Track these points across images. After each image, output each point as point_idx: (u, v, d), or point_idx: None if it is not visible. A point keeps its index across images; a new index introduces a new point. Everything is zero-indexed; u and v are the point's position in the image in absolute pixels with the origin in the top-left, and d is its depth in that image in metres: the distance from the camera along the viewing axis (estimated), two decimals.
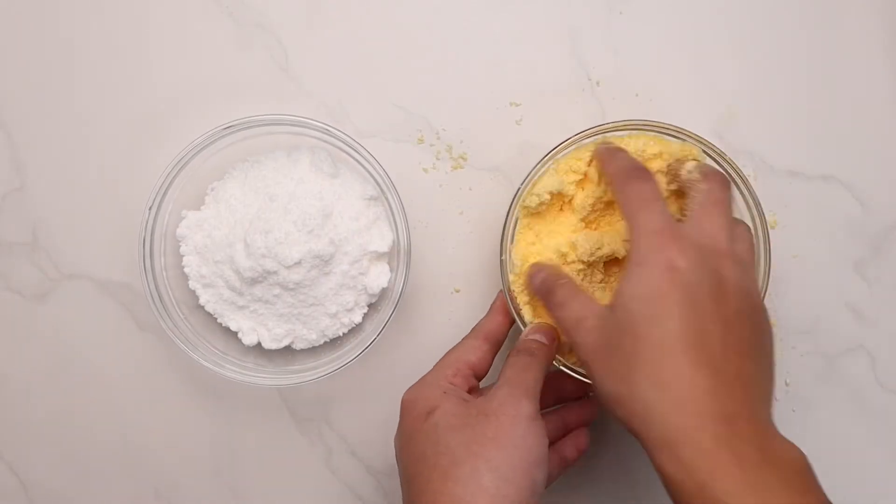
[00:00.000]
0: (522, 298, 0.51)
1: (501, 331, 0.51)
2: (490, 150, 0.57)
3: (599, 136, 0.51)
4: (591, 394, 0.53)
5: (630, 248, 0.42)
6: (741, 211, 0.51)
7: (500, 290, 0.52)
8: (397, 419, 0.48)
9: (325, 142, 0.54)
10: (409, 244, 0.53)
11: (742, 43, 0.57)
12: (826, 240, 0.57)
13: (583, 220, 0.51)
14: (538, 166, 0.51)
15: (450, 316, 0.58)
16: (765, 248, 0.50)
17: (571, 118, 0.56)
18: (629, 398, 0.40)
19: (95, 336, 0.58)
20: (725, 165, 0.50)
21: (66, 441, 0.59)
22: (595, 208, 0.51)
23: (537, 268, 0.49)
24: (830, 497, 0.38)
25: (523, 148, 0.57)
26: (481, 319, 0.52)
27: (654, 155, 0.50)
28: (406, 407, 0.47)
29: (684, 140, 0.51)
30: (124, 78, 0.57)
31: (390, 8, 0.57)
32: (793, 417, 0.58)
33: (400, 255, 0.53)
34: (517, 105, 0.57)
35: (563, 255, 0.51)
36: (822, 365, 0.58)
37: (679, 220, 0.44)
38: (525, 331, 0.50)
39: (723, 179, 0.46)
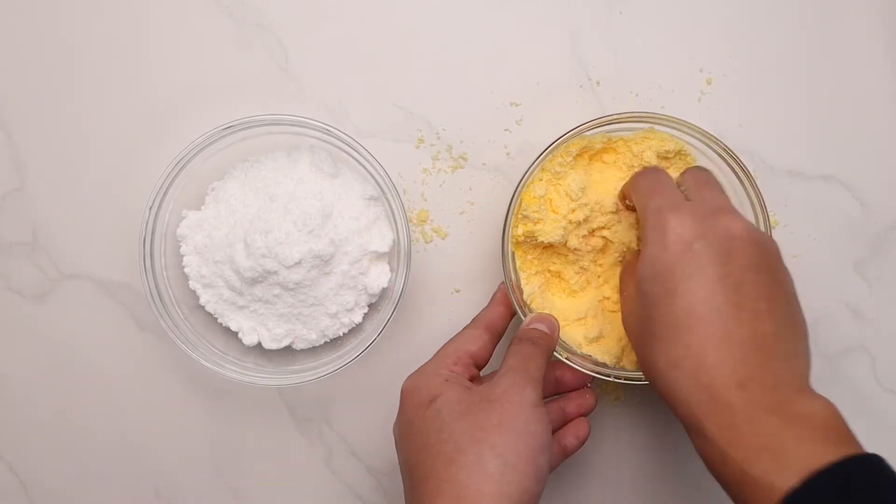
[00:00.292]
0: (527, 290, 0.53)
1: (502, 321, 0.51)
2: (490, 150, 0.57)
3: (600, 129, 0.51)
4: (589, 384, 0.53)
5: (640, 232, 0.44)
6: (745, 208, 0.51)
7: (502, 282, 0.52)
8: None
9: (325, 142, 0.54)
10: (409, 244, 0.53)
11: (742, 43, 0.57)
12: (826, 240, 0.57)
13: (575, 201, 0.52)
14: (537, 162, 0.51)
15: (450, 316, 0.58)
16: None
17: (571, 118, 0.56)
18: (656, 382, 0.42)
19: (95, 336, 0.58)
20: (729, 160, 0.51)
21: (66, 441, 0.59)
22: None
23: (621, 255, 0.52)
24: None
25: (523, 148, 0.57)
26: (482, 310, 0.52)
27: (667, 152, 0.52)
28: (407, 395, 0.47)
29: (688, 134, 0.51)
30: (124, 78, 0.57)
31: (390, 8, 0.57)
32: None
33: (400, 255, 0.53)
34: (517, 105, 0.57)
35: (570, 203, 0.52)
36: (822, 365, 0.58)
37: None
38: (526, 320, 0.50)
39: (699, 168, 0.48)
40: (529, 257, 0.54)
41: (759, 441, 0.37)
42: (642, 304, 0.43)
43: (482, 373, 0.50)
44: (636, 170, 0.52)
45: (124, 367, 0.58)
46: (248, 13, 0.57)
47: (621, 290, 0.50)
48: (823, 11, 0.57)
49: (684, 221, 0.42)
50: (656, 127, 0.52)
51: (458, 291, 0.58)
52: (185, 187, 0.54)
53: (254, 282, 0.52)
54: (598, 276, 0.55)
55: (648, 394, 0.58)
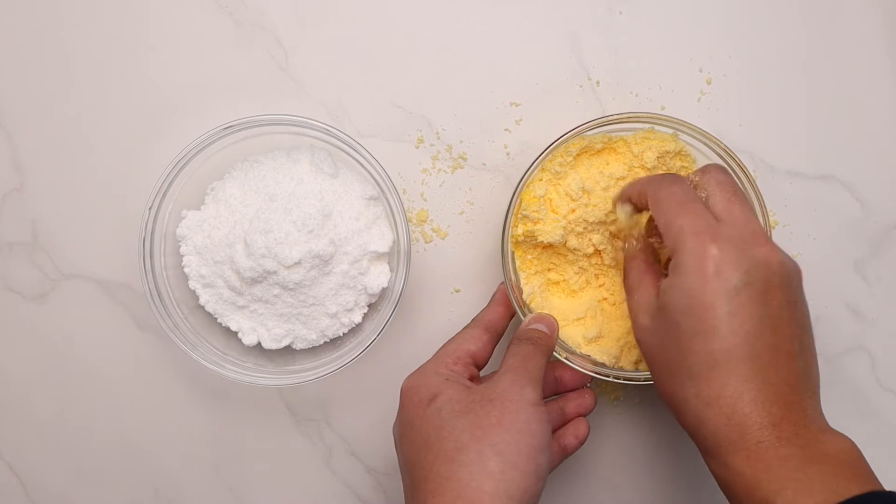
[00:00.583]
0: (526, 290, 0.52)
1: (501, 322, 0.51)
2: (490, 150, 0.57)
3: (600, 129, 0.51)
4: (588, 384, 0.53)
5: (671, 252, 0.42)
6: None
7: (501, 283, 0.52)
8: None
9: (325, 142, 0.54)
10: (409, 244, 0.53)
11: (742, 43, 0.57)
12: (826, 240, 0.57)
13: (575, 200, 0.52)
14: (537, 162, 0.51)
15: (450, 316, 0.58)
16: None
17: (571, 118, 0.56)
18: (680, 410, 0.42)
19: (95, 336, 0.58)
20: (729, 160, 0.51)
21: (66, 441, 0.59)
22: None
23: (626, 236, 0.50)
24: None
25: (523, 148, 0.57)
26: (482, 310, 0.52)
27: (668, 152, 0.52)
28: (407, 394, 0.47)
29: (688, 134, 0.51)
30: (124, 78, 0.57)
31: (390, 8, 0.57)
32: None
33: (400, 255, 0.53)
34: (517, 105, 0.57)
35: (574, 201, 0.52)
36: (822, 365, 0.57)
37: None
38: (526, 320, 0.50)
39: (718, 167, 0.46)
40: (529, 257, 0.54)
41: (787, 474, 0.38)
42: (670, 333, 0.42)
43: (482, 373, 0.50)
44: (636, 171, 0.52)
45: (124, 367, 0.58)
46: (247, 13, 0.57)
47: (632, 295, 0.46)
48: (823, 11, 0.57)
49: (725, 252, 0.40)
50: (656, 127, 0.52)
51: (457, 291, 0.58)
52: (184, 187, 0.54)
53: (254, 282, 0.52)
54: (598, 277, 0.55)
55: (647, 394, 0.58)
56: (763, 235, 0.42)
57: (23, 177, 0.58)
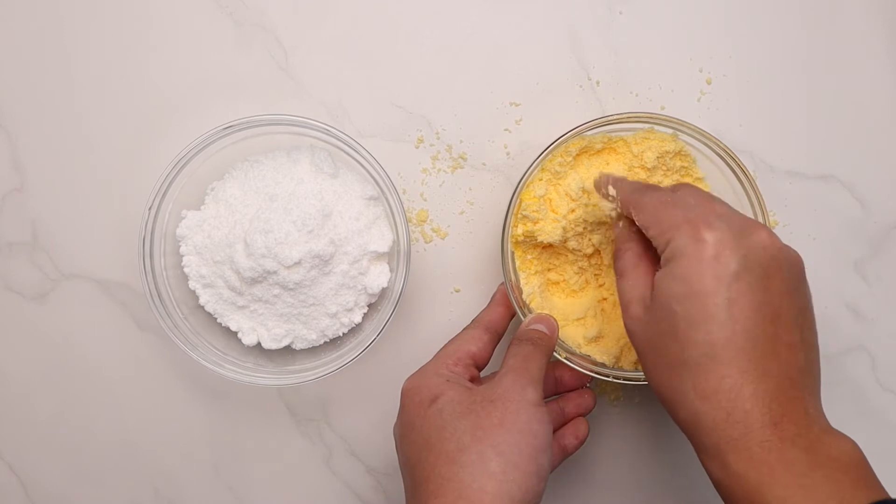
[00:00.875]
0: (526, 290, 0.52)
1: (502, 322, 0.51)
2: (490, 150, 0.57)
3: (600, 129, 0.51)
4: (588, 384, 0.53)
5: (661, 244, 0.41)
6: (745, 208, 0.51)
7: (501, 283, 0.52)
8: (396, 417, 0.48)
9: (325, 142, 0.54)
10: (409, 244, 0.53)
11: (742, 43, 0.57)
12: (826, 240, 0.57)
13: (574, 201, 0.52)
14: (537, 162, 0.51)
15: (450, 316, 0.58)
16: None
17: (571, 118, 0.56)
18: (677, 405, 0.40)
19: (95, 336, 0.58)
20: (729, 160, 0.51)
21: (66, 441, 0.59)
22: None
23: (618, 218, 0.47)
24: None
25: (523, 148, 0.57)
26: (482, 311, 0.52)
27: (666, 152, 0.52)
28: (408, 395, 0.47)
29: (688, 134, 0.51)
30: (124, 78, 0.57)
31: (390, 8, 0.57)
32: None
33: (400, 255, 0.53)
34: (517, 105, 0.57)
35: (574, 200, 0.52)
36: (822, 365, 0.58)
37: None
38: (526, 320, 0.50)
39: (690, 185, 0.46)
40: (529, 257, 0.54)
41: (793, 480, 0.37)
42: (666, 323, 0.40)
43: (482, 374, 0.50)
44: (636, 171, 0.52)
45: (124, 367, 0.58)
46: (247, 13, 0.57)
47: (624, 279, 0.44)
48: (823, 11, 0.57)
49: (722, 236, 0.39)
50: (656, 127, 0.52)
51: (457, 291, 0.58)
52: (184, 187, 0.54)
53: (253, 282, 0.52)
54: (598, 277, 0.55)
55: (647, 394, 0.58)
56: (758, 223, 0.41)
57: (23, 177, 0.58)
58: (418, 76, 0.57)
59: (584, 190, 0.52)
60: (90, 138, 0.57)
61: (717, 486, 0.40)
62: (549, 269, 0.55)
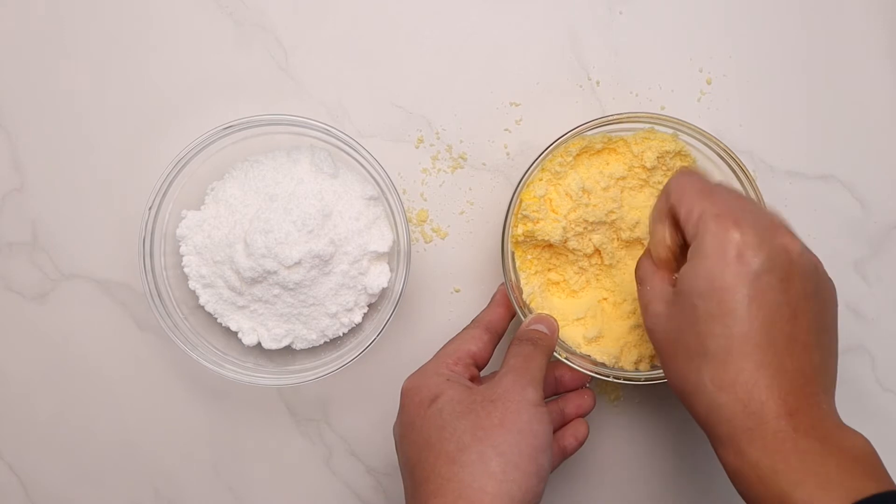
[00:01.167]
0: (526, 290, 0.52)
1: (502, 322, 0.51)
2: (490, 150, 0.57)
3: (600, 129, 0.51)
4: (587, 384, 0.53)
5: (689, 231, 0.41)
6: None
7: (501, 283, 0.52)
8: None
9: (325, 142, 0.54)
10: (409, 244, 0.53)
11: (742, 43, 0.57)
12: (826, 240, 0.57)
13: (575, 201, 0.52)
14: (537, 162, 0.51)
15: (450, 316, 0.58)
16: None
17: (571, 118, 0.56)
18: (693, 396, 0.41)
19: (95, 336, 0.58)
20: (729, 160, 0.51)
21: (66, 441, 0.59)
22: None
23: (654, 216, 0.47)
24: None
25: (523, 148, 0.57)
26: (482, 311, 0.52)
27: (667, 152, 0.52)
28: (408, 394, 0.47)
29: (688, 134, 0.51)
30: (124, 78, 0.57)
31: (390, 8, 0.57)
32: None
33: (400, 255, 0.53)
34: (517, 105, 0.57)
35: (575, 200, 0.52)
36: None
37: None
38: (526, 320, 0.50)
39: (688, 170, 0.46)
40: (529, 257, 0.54)
41: (805, 468, 0.37)
42: (687, 316, 0.41)
43: (482, 374, 0.50)
44: (636, 171, 0.52)
45: (124, 367, 0.58)
46: (247, 13, 0.57)
47: (643, 286, 0.45)
48: (823, 11, 0.57)
49: (747, 237, 0.39)
50: (656, 127, 0.52)
51: (457, 291, 0.58)
52: (184, 187, 0.54)
53: (253, 282, 0.52)
54: (598, 277, 0.55)
55: (647, 394, 0.58)
56: (784, 225, 0.42)
57: (23, 177, 0.58)
58: (418, 76, 0.57)
59: (584, 190, 0.52)
60: (90, 138, 0.57)
61: (732, 474, 0.40)
62: (549, 269, 0.55)
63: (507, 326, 0.52)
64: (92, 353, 0.58)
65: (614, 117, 0.51)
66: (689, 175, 0.44)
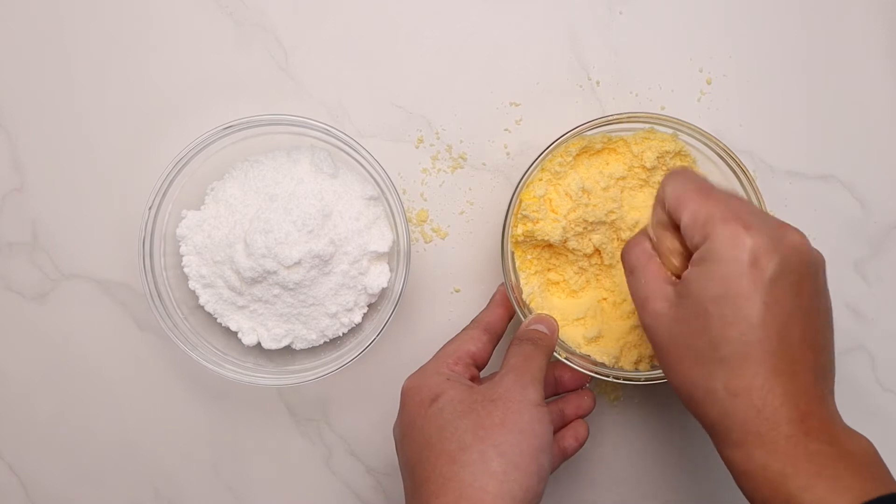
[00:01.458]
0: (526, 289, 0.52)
1: (501, 323, 0.51)
2: (490, 150, 0.57)
3: (600, 129, 0.51)
4: (587, 384, 0.53)
5: (695, 238, 0.40)
6: None
7: (501, 284, 0.52)
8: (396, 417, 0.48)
9: (325, 142, 0.54)
10: (409, 244, 0.53)
11: (742, 43, 0.57)
12: (826, 240, 0.57)
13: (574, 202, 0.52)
14: (537, 162, 0.51)
15: (450, 316, 0.58)
16: None
17: (571, 118, 0.56)
18: (704, 401, 0.40)
19: (95, 336, 0.58)
20: (729, 160, 0.51)
21: (66, 441, 0.59)
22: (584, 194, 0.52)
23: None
24: None
25: (523, 148, 0.57)
26: (481, 312, 0.52)
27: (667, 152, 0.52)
28: (408, 394, 0.47)
29: (688, 134, 0.51)
30: (124, 78, 0.57)
31: (390, 8, 0.57)
32: None
33: (400, 255, 0.53)
34: (517, 105, 0.57)
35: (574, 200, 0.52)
36: None
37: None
38: (526, 320, 0.50)
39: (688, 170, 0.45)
40: (529, 257, 0.54)
41: (816, 471, 0.37)
42: (697, 321, 0.40)
43: (481, 374, 0.50)
44: (636, 171, 0.52)
45: (124, 367, 0.58)
46: (247, 13, 0.57)
47: (636, 276, 0.43)
48: (823, 11, 0.57)
49: (759, 241, 0.39)
50: (656, 127, 0.52)
51: (457, 291, 0.58)
52: (184, 187, 0.54)
53: (253, 282, 0.52)
54: (598, 277, 0.55)
55: (647, 394, 0.58)
56: (790, 224, 0.41)
57: (23, 177, 0.58)
58: (418, 76, 0.57)
59: (584, 190, 0.52)
60: (90, 138, 0.57)
61: (739, 476, 0.40)
62: (549, 269, 0.55)
63: (506, 327, 0.52)
64: (92, 353, 0.58)
65: (614, 117, 0.51)
66: (683, 176, 0.43)
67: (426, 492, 0.42)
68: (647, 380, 0.52)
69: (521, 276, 0.54)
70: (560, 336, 0.52)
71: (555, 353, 0.50)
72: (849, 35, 0.57)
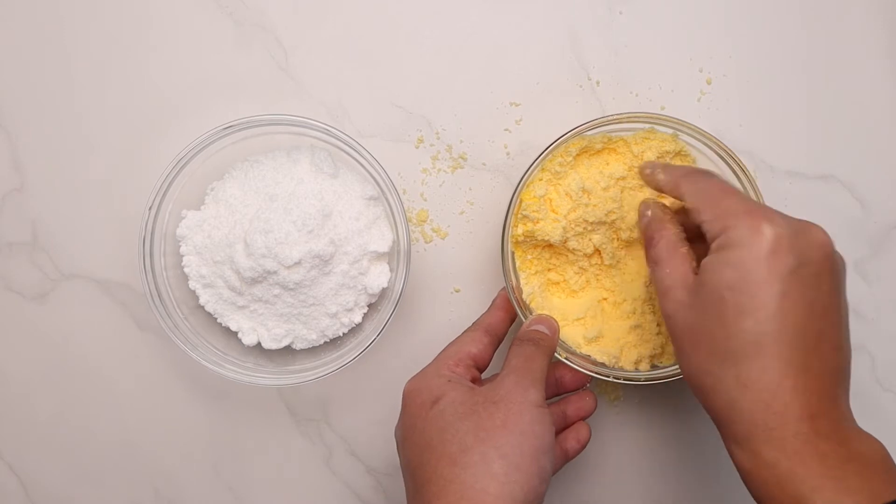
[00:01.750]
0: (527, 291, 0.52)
1: (502, 325, 0.51)
2: (490, 150, 0.57)
3: (600, 129, 0.51)
4: (587, 385, 0.53)
5: (715, 229, 0.40)
6: None
7: (502, 288, 0.52)
8: (397, 418, 0.48)
9: (325, 142, 0.54)
10: (409, 244, 0.53)
11: (742, 43, 0.57)
12: None
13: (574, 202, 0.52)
14: (537, 162, 0.51)
15: (450, 316, 0.58)
16: None
17: (571, 118, 0.56)
18: (713, 391, 0.40)
19: (95, 336, 0.58)
20: (729, 161, 0.51)
21: (66, 441, 0.59)
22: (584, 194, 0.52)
23: (646, 206, 0.47)
24: None
25: (523, 148, 0.57)
26: (482, 315, 0.52)
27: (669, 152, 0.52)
28: (409, 396, 0.47)
29: (688, 134, 0.51)
30: (124, 78, 0.57)
31: (390, 8, 0.57)
32: None
33: (400, 255, 0.53)
34: (517, 105, 0.57)
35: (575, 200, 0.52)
36: None
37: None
38: (527, 321, 0.50)
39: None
40: (529, 257, 0.54)
41: (826, 472, 0.37)
42: (713, 309, 0.39)
43: (482, 376, 0.50)
44: (636, 171, 0.52)
45: (124, 367, 0.58)
46: (247, 13, 0.57)
47: (661, 266, 0.43)
48: (823, 11, 0.57)
49: (780, 231, 0.39)
50: (656, 127, 0.52)
51: (457, 291, 0.58)
52: (184, 187, 0.54)
53: (254, 282, 0.52)
54: (598, 277, 0.55)
55: (647, 394, 0.58)
56: (812, 222, 0.41)
57: (23, 177, 0.58)
58: (418, 76, 0.57)
59: (584, 190, 0.52)
60: (90, 138, 0.57)
61: (746, 473, 0.40)
62: (549, 269, 0.55)
63: (507, 330, 0.52)
64: (92, 353, 0.58)
65: (614, 117, 0.51)
66: (705, 175, 0.43)
67: (427, 493, 0.42)
68: (647, 380, 0.52)
69: (522, 276, 0.54)
70: (560, 336, 0.52)
71: (555, 354, 0.50)
72: (849, 35, 0.57)
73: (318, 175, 0.54)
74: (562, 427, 0.52)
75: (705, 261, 0.41)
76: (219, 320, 0.55)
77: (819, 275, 0.39)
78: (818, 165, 0.57)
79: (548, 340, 0.49)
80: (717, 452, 0.56)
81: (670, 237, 0.44)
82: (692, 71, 0.57)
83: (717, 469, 0.58)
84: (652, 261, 0.45)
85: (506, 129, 0.57)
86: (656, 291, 0.44)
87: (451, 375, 0.47)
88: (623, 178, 0.53)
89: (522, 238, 0.52)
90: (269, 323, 0.54)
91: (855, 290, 0.58)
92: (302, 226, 0.51)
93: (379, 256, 0.54)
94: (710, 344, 0.40)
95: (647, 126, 0.52)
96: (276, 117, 0.53)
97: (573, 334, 0.54)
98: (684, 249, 0.43)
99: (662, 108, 0.57)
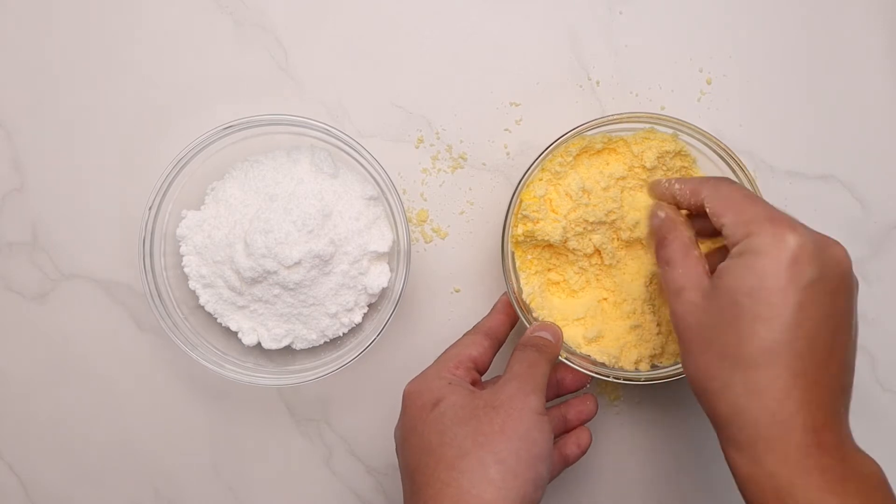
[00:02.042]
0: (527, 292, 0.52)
1: (502, 329, 0.51)
2: (490, 150, 0.57)
3: (600, 129, 0.51)
4: (588, 387, 0.53)
5: (737, 234, 0.40)
6: None
7: (504, 292, 0.52)
8: (397, 418, 0.48)
9: (325, 142, 0.54)
10: (409, 244, 0.53)
11: (742, 43, 0.57)
12: None
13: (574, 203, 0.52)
14: (537, 162, 0.51)
15: (450, 316, 0.58)
16: None
17: (571, 118, 0.56)
18: (718, 395, 0.40)
19: (95, 336, 0.58)
20: (729, 161, 0.51)
21: (66, 441, 0.59)
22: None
23: (658, 207, 0.46)
24: None
25: (523, 148, 0.57)
26: (483, 318, 0.52)
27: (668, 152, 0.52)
28: (409, 398, 0.47)
29: (688, 134, 0.51)
30: (124, 78, 0.57)
31: (390, 8, 0.57)
32: None
33: (400, 255, 0.53)
34: (517, 105, 0.57)
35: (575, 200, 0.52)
36: None
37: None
38: (531, 328, 0.50)
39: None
40: (529, 257, 0.54)
41: (827, 487, 0.37)
42: (727, 313, 0.39)
43: (483, 379, 0.50)
44: (636, 171, 0.52)
45: (124, 367, 0.58)
46: (247, 13, 0.57)
47: (674, 268, 0.43)
48: (823, 11, 0.57)
49: (804, 242, 0.39)
50: (656, 127, 0.52)
51: (457, 291, 0.58)
52: (184, 187, 0.54)
53: (254, 282, 0.52)
54: (598, 277, 0.55)
55: (647, 394, 0.58)
56: (834, 239, 0.41)
57: (23, 177, 0.58)
58: (418, 76, 0.57)
59: (584, 190, 0.52)
60: (90, 138, 0.57)
61: (743, 480, 0.39)
62: (549, 269, 0.55)
63: (507, 333, 0.52)
64: (92, 353, 0.58)
65: (614, 117, 0.51)
66: (728, 182, 0.43)
67: (424, 496, 0.42)
68: (647, 380, 0.52)
69: (522, 276, 0.54)
70: None
71: None
72: (849, 35, 0.57)
73: (318, 175, 0.54)
74: (562, 431, 0.52)
75: (723, 264, 0.40)
76: (219, 320, 0.55)
77: (836, 291, 0.39)
78: (818, 165, 0.57)
79: (551, 347, 0.49)
80: (717, 453, 0.56)
81: (684, 239, 0.44)
82: (692, 71, 0.57)
83: (717, 469, 0.58)
84: (664, 261, 0.44)
85: (506, 129, 0.57)
86: (666, 291, 0.44)
87: (452, 378, 0.47)
88: (623, 178, 0.53)
89: (522, 238, 0.52)
90: (269, 323, 0.54)
91: None
92: (302, 226, 0.51)
93: (379, 256, 0.54)
94: (721, 348, 0.40)
95: (647, 126, 0.52)
96: (276, 117, 0.53)
97: (573, 334, 0.54)
98: (697, 252, 0.43)
99: (662, 108, 0.57)
